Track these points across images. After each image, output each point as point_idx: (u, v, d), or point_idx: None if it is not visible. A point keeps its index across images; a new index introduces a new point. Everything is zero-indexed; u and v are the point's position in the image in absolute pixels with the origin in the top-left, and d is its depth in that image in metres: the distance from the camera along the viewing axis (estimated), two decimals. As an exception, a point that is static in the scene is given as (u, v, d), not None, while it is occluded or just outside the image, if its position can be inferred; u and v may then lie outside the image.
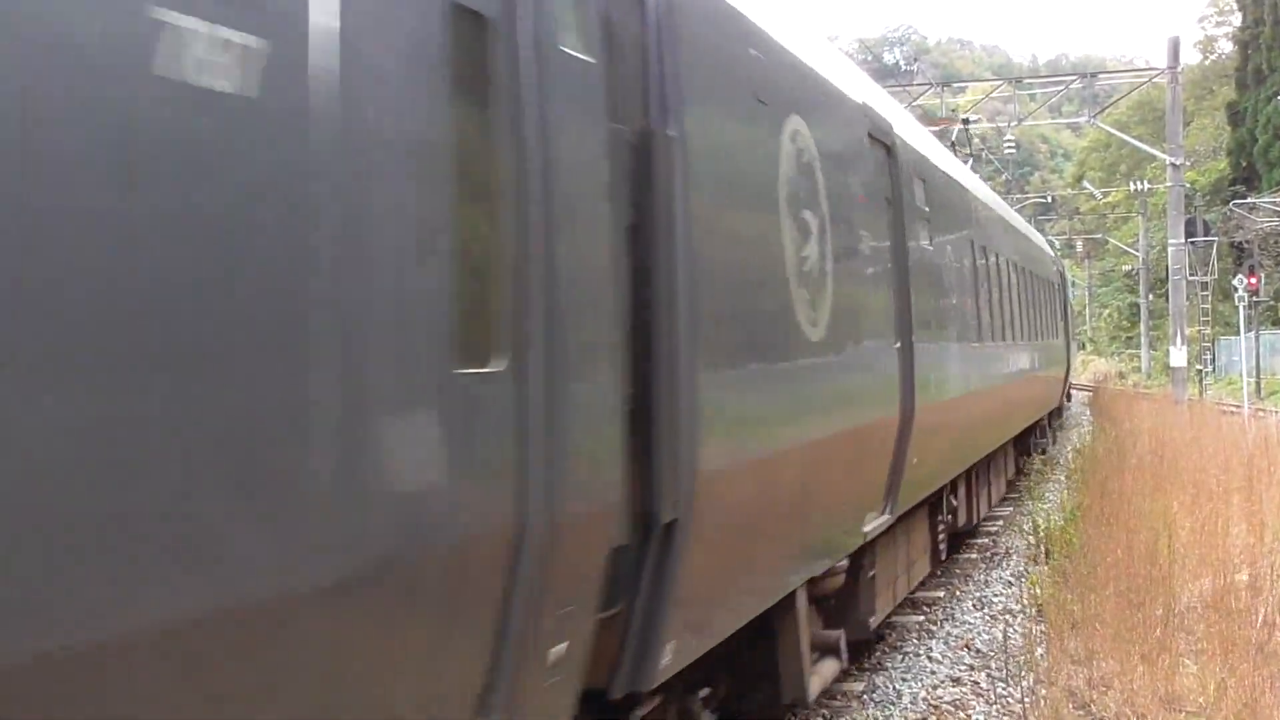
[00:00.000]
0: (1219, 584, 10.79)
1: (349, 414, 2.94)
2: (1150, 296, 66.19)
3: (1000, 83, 47.69)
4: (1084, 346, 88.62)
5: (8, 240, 2.15)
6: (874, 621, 9.04)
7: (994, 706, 8.95)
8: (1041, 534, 15.20)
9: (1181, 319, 38.03)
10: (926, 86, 44.45)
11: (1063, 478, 22.20)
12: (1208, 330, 47.19)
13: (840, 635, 7.94)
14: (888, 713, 8.81)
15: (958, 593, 13.04)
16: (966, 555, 15.45)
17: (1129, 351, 72.19)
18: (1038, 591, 12.25)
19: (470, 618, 3.51)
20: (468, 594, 3.49)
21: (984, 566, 14.49)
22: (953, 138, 40.07)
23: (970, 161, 39.00)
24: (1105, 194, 76.04)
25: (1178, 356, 36.90)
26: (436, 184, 3.37)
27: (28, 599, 2.18)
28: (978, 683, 9.56)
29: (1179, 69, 37.84)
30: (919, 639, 11.04)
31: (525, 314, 3.68)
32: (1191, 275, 43.94)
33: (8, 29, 2.18)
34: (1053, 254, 32.88)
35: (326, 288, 2.88)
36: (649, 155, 4.70)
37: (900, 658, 10.42)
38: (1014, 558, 14.76)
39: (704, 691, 6.12)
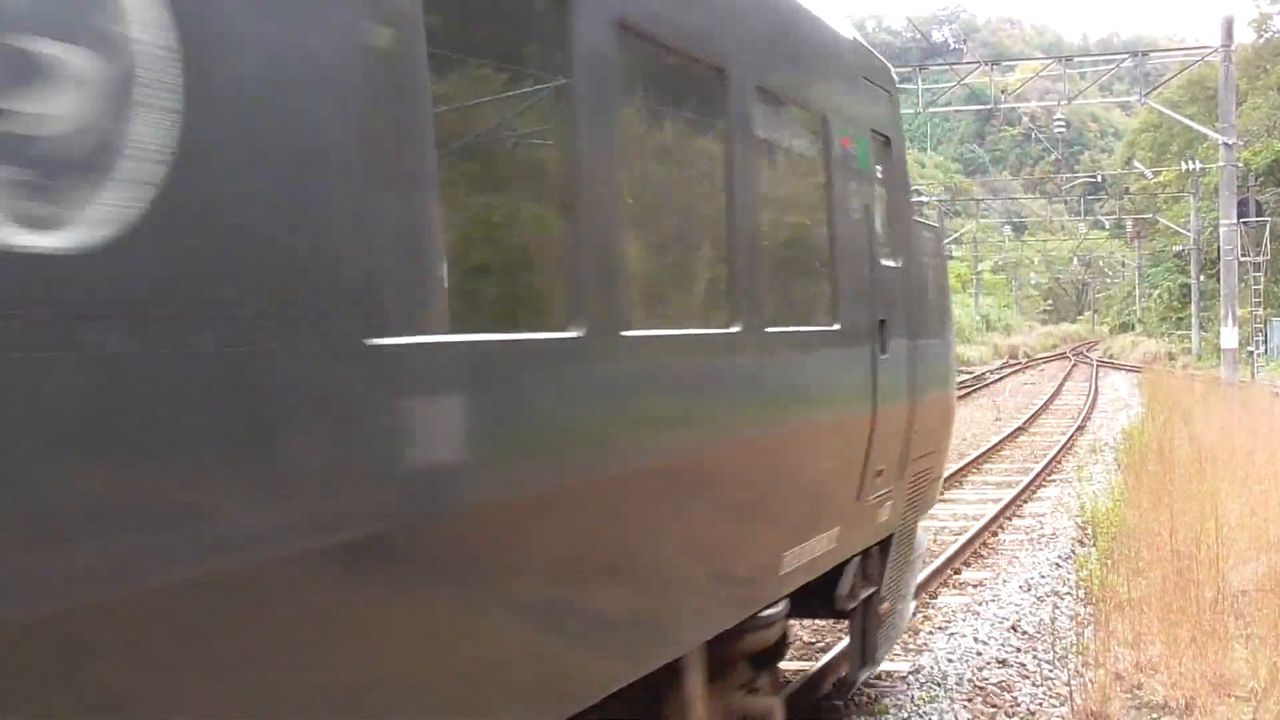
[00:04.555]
0: (1270, 567, 10.69)
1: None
2: (1201, 277, 65.42)
3: (1050, 61, 47.15)
4: (1133, 327, 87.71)
5: None
6: None
7: (1040, 689, 8.91)
8: (1089, 516, 15.11)
9: (1233, 300, 37.58)
10: (975, 65, 44.06)
11: (1111, 459, 22.04)
12: (1260, 311, 46.59)
13: None
14: (934, 694, 8.79)
15: (1003, 574, 12.98)
16: (1013, 536, 15.38)
17: (1179, 333, 71.36)
18: (1085, 573, 12.18)
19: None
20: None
21: (1030, 548, 14.41)
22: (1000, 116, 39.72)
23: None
24: (1156, 174, 75.10)
25: (1229, 338, 36.49)
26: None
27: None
28: (1024, 665, 9.52)
29: (1232, 47, 37.32)
30: (965, 620, 11.00)
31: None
32: (1244, 256, 43.38)
33: None
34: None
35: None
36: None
37: (946, 639, 10.38)
38: (1060, 539, 14.67)
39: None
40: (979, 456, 23.89)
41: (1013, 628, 10.55)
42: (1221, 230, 38.20)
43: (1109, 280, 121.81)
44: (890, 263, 7.50)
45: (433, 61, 3.39)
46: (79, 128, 2.40)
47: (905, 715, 8.34)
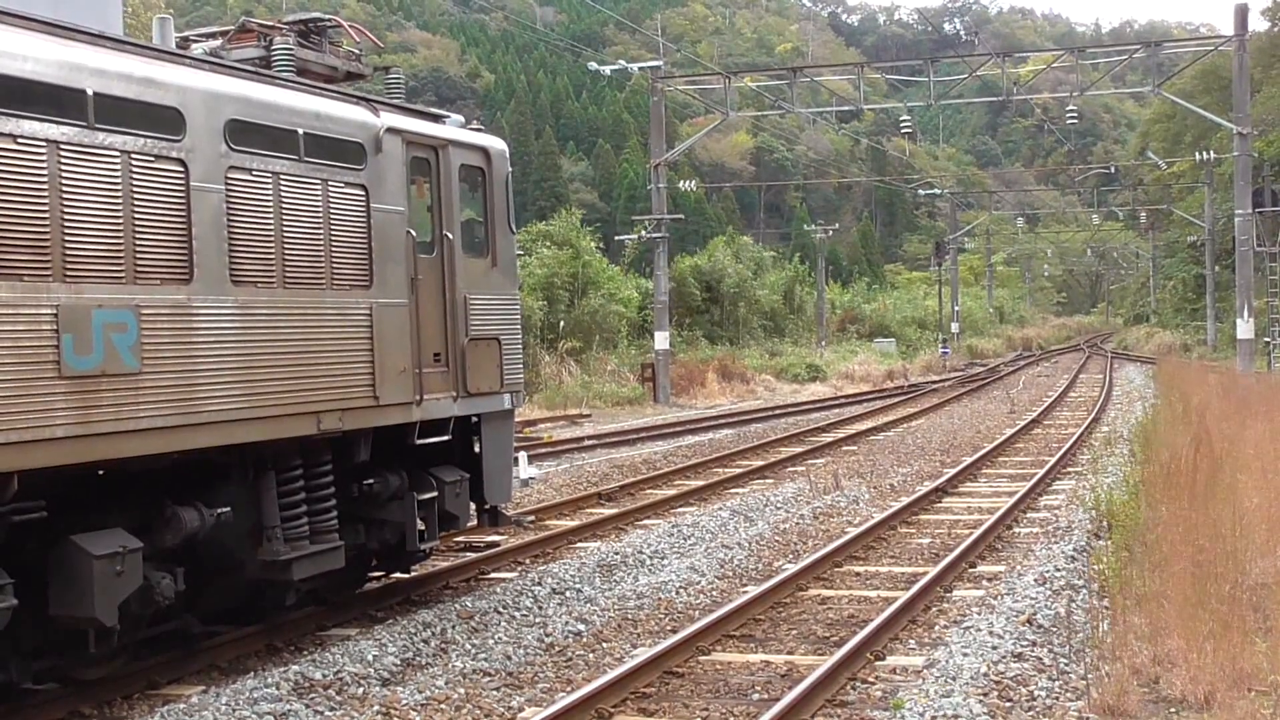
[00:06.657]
0: (1289, 559, 10.58)
1: None
2: (1216, 268, 65.08)
3: (1062, 53, 46.93)
4: (1147, 318, 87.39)
5: None
6: None
7: (1056, 683, 8.83)
8: (1104, 508, 15.01)
9: (1248, 291, 37.41)
10: (987, 57, 43.87)
11: (1126, 452, 21.92)
12: (1276, 302, 46.36)
13: None
14: (948, 688, 8.71)
15: (1019, 567, 12.90)
16: (1028, 530, 15.29)
17: (1194, 324, 71.06)
18: (1101, 566, 12.09)
19: None
20: None
21: (1045, 541, 14.32)
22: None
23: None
24: (1170, 164, 74.75)
25: (1244, 329, 36.35)
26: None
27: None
28: (1040, 659, 9.44)
29: (1246, 36, 37.13)
30: (980, 613, 10.92)
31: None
32: (1259, 246, 43.14)
33: None
34: None
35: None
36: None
37: (961, 632, 10.31)
38: (1076, 533, 14.58)
39: None
40: (993, 450, 23.81)
41: (1028, 621, 10.47)
42: (1236, 220, 38.03)
43: (1123, 272, 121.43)
44: None
45: None
46: None
47: (920, 709, 8.26)
